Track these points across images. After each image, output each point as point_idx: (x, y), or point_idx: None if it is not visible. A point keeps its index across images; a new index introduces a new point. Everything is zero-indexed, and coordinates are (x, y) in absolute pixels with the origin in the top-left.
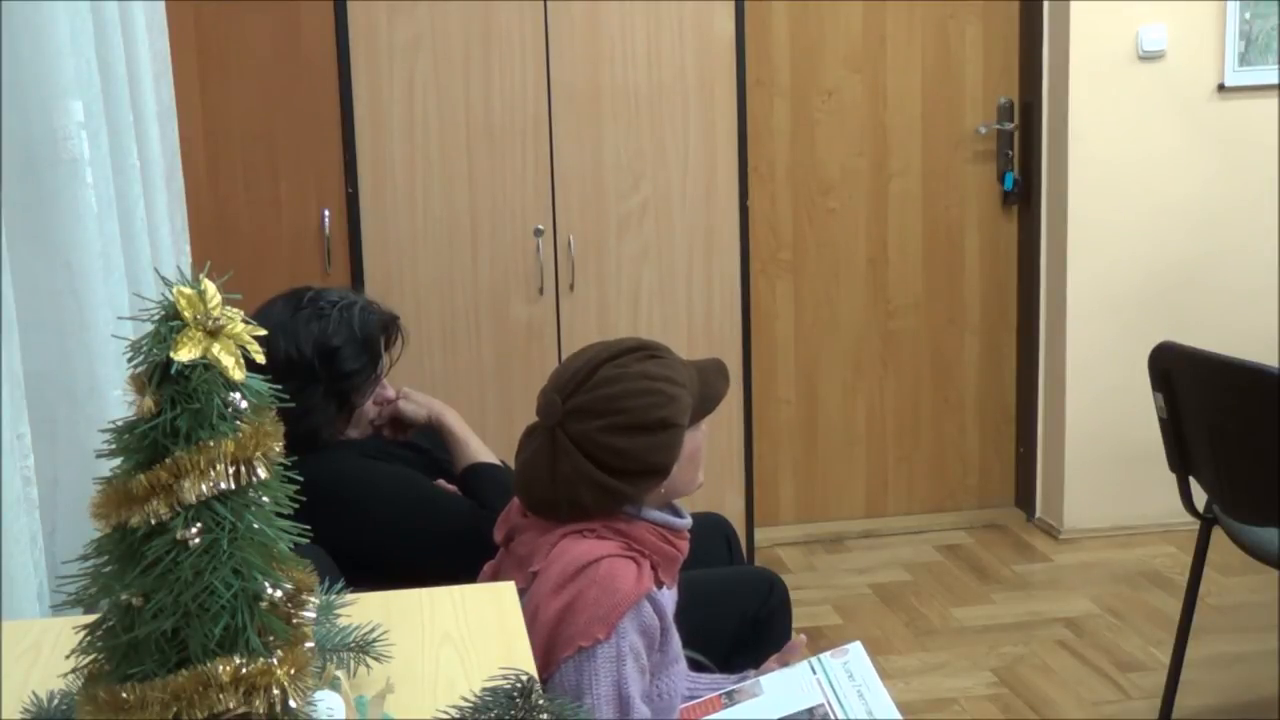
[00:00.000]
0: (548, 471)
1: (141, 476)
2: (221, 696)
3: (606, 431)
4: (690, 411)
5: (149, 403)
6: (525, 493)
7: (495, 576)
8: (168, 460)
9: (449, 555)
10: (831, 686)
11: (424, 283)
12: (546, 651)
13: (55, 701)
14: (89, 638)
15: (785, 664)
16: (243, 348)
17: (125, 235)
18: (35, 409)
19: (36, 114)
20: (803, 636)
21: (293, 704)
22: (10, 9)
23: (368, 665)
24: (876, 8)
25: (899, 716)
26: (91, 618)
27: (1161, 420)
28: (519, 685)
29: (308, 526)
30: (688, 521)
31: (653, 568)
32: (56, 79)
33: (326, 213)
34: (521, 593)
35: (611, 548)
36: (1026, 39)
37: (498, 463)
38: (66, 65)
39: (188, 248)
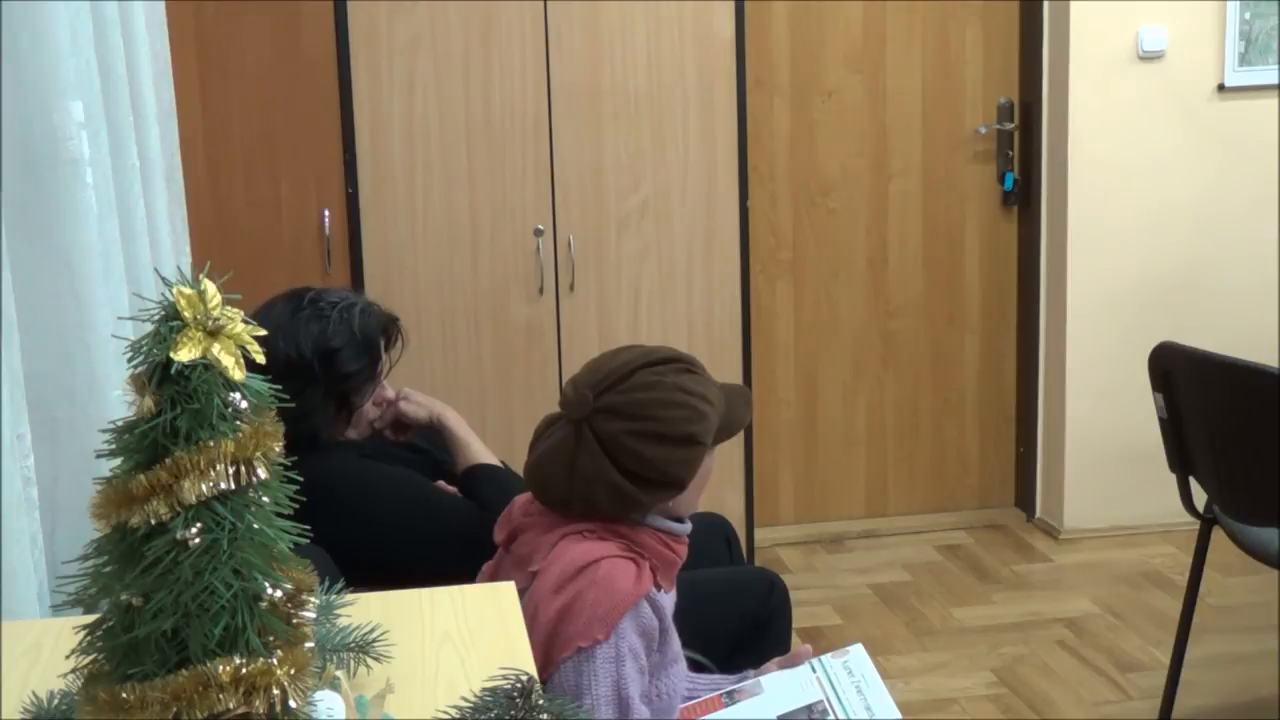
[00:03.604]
0: (566, 465)
1: (141, 476)
2: (221, 696)
3: (634, 436)
4: (714, 433)
5: (149, 403)
6: (539, 484)
7: (494, 577)
8: (168, 460)
9: (449, 555)
10: (831, 684)
11: (424, 283)
12: (546, 652)
13: (55, 701)
14: (89, 638)
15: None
16: (243, 348)
17: (125, 235)
18: (35, 409)
19: (36, 114)
20: (808, 647)
21: (293, 704)
22: (10, 9)
23: (368, 665)
24: (876, 8)
25: (897, 714)
26: (91, 618)
27: (1161, 420)
28: (519, 685)
29: (308, 526)
30: (688, 528)
31: (651, 570)
32: (56, 79)
33: (326, 213)
34: (521, 593)
35: (611, 548)
36: (1026, 39)
37: (498, 463)
38: (66, 65)
39: (188, 248)
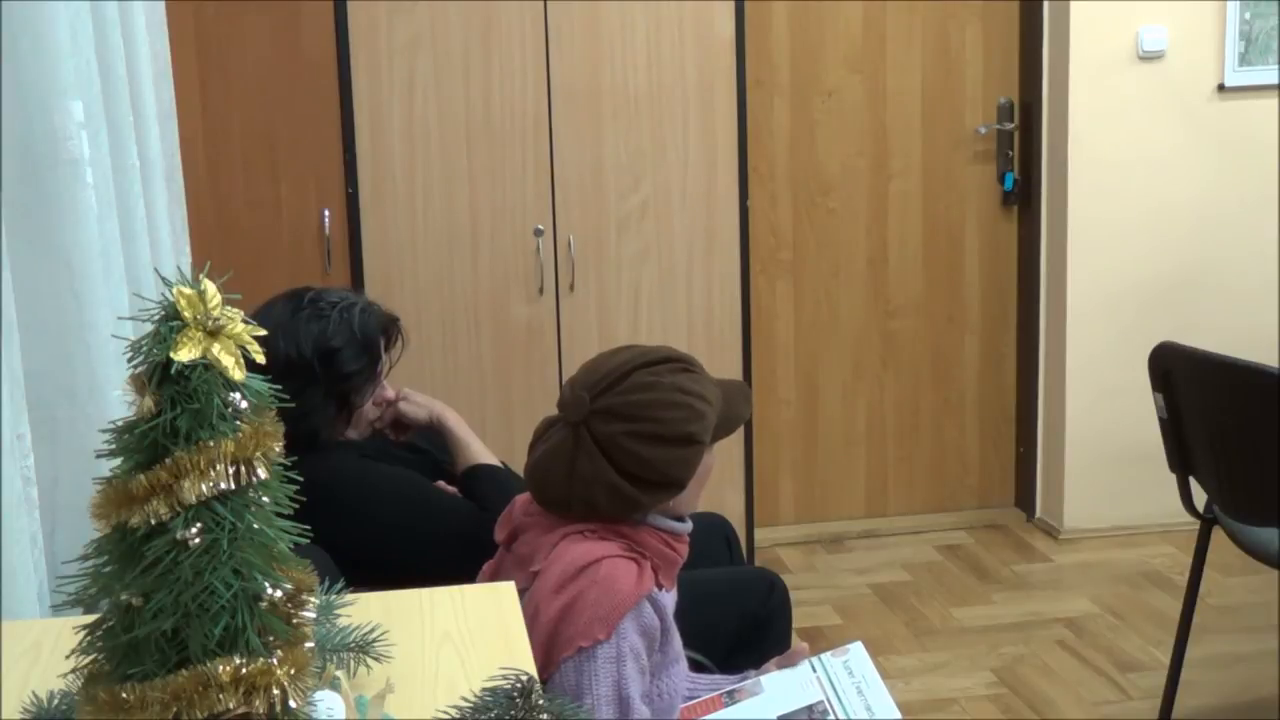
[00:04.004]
0: (565, 467)
1: (141, 476)
2: (221, 696)
3: (632, 438)
4: (712, 431)
5: (149, 403)
6: (538, 486)
7: (495, 577)
8: (168, 460)
9: (449, 555)
10: (831, 684)
11: (424, 283)
12: (546, 651)
13: (55, 701)
14: (89, 638)
15: (787, 667)
16: (243, 348)
17: (125, 235)
18: (35, 409)
19: (36, 114)
20: (804, 645)
21: (293, 704)
22: (10, 9)
23: (368, 665)
24: (876, 8)
25: (897, 714)
26: (91, 618)
27: (1161, 420)
28: (519, 685)
29: (308, 526)
30: (689, 526)
31: (653, 570)
32: (56, 79)
33: (326, 213)
34: (522, 592)
35: (612, 548)
36: (1026, 39)
37: (498, 464)
38: (66, 65)
39: (188, 248)
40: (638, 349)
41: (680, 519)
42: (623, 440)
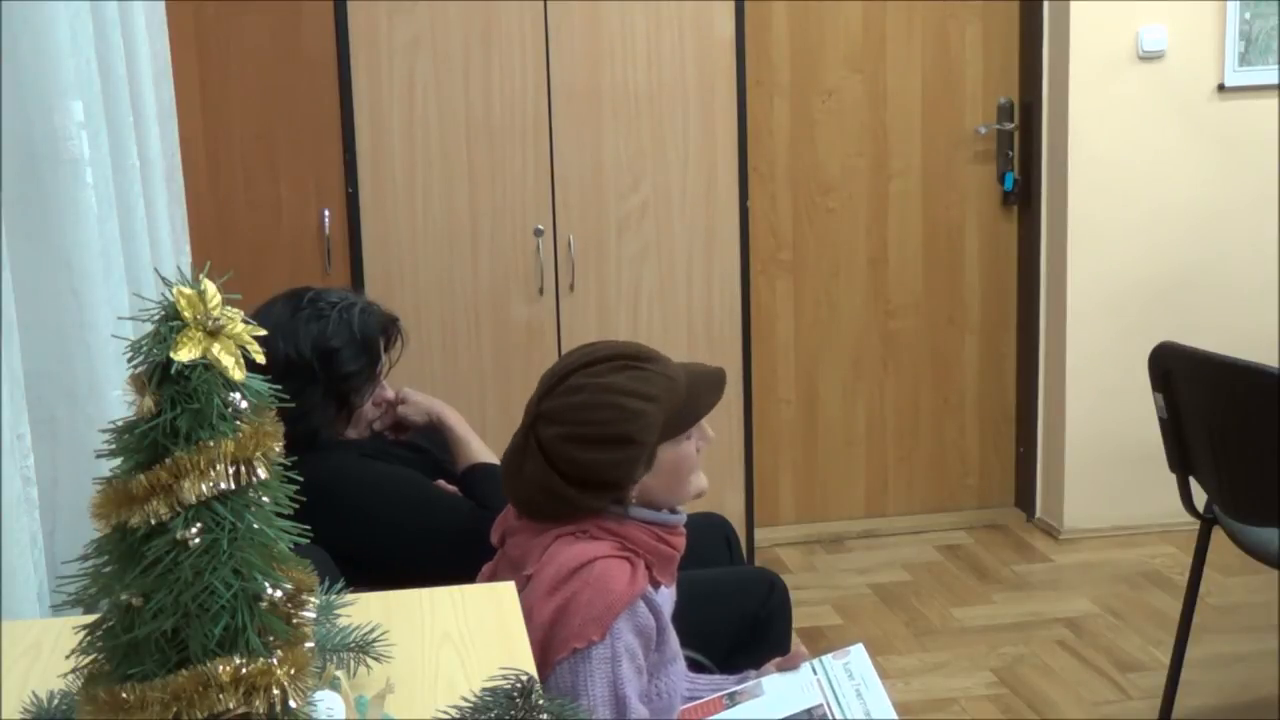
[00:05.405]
0: (516, 468)
1: (141, 476)
2: (221, 696)
3: (565, 441)
4: (662, 427)
5: (149, 403)
6: (505, 485)
7: (493, 578)
8: (168, 460)
9: (448, 555)
10: (831, 687)
11: (424, 283)
12: (542, 654)
13: (55, 701)
14: (89, 638)
15: (787, 670)
16: (243, 348)
17: (125, 235)
18: (35, 409)
19: (36, 114)
20: (805, 650)
21: (293, 704)
22: (10, 9)
23: (368, 665)
24: (876, 8)
25: (895, 717)
26: (91, 618)
27: (1161, 420)
28: (519, 685)
29: (308, 526)
30: (681, 518)
31: (648, 567)
32: (56, 79)
33: (326, 213)
34: None
35: (604, 549)
36: (1026, 39)
37: (498, 462)
38: (66, 65)
39: (188, 248)
40: (586, 348)
41: (672, 510)
42: (558, 444)
